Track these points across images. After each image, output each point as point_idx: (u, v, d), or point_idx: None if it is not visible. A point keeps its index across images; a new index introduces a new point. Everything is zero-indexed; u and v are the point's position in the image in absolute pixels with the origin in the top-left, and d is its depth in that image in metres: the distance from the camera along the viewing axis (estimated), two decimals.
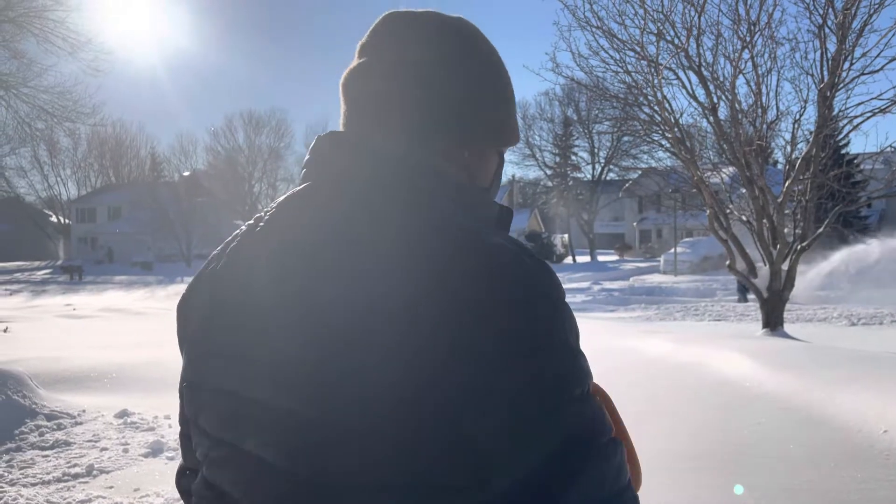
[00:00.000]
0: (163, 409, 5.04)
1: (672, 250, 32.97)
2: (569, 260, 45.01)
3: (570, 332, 0.77)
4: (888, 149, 10.58)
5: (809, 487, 3.57)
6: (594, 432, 0.76)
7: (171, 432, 4.42)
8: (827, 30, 9.85)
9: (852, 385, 5.70)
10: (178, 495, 3.47)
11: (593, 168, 48.43)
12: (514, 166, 52.40)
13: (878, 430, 4.61)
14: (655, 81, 11.03)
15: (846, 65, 9.90)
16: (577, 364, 0.77)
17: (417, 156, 0.88)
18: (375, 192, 0.83)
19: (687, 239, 35.83)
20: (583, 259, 45.03)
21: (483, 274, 0.73)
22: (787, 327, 10.95)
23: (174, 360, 6.55)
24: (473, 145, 0.94)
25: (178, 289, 30.39)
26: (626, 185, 45.48)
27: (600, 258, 45.44)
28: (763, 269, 10.86)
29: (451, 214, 0.81)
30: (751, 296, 18.88)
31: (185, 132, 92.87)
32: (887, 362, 6.97)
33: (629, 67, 11.33)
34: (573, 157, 49.33)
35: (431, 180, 0.86)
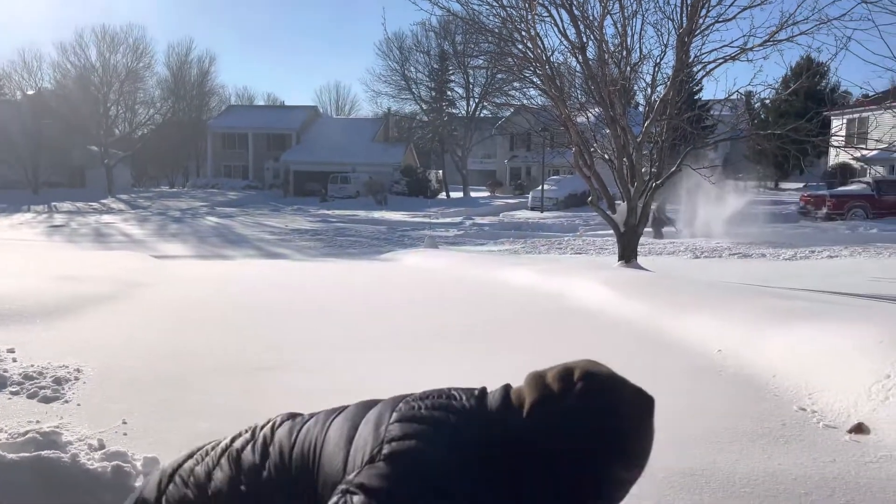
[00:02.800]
0: (6, 342, 4.69)
1: (540, 187, 34.13)
2: (443, 195, 45.50)
3: None
4: (734, 94, 11.38)
5: (655, 398, 3.92)
6: None
7: (15, 366, 4.15)
8: None
9: (692, 310, 6.25)
10: (22, 430, 3.22)
11: (468, 104, 48.70)
12: (391, 99, 51.56)
13: (714, 350, 5.11)
14: (529, 17, 11.14)
15: (703, 12, 10.45)
16: None
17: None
18: None
19: (554, 177, 37.17)
20: (456, 195, 45.65)
21: None
22: (640, 260, 11.75)
23: (19, 291, 6.01)
24: None
25: (23, 218, 27.91)
26: (499, 122, 46.19)
27: (473, 194, 46.28)
28: (621, 206, 11.52)
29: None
30: (667, 229, 20.01)
31: (27, 45, 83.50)
32: (723, 290, 7.69)
33: (504, 2, 11.36)
34: (449, 93, 49.28)
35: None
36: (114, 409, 3.54)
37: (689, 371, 4.67)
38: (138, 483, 2.51)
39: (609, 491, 1.15)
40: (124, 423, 3.36)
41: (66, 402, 3.70)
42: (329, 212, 31.81)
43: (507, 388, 1.25)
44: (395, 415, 1.21)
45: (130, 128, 54.98)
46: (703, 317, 5.96)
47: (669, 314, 6.29)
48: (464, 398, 1.24)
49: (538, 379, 1.20)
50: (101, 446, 2.92)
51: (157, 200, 39.75)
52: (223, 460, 1.40)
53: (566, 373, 1.20)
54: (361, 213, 30.74)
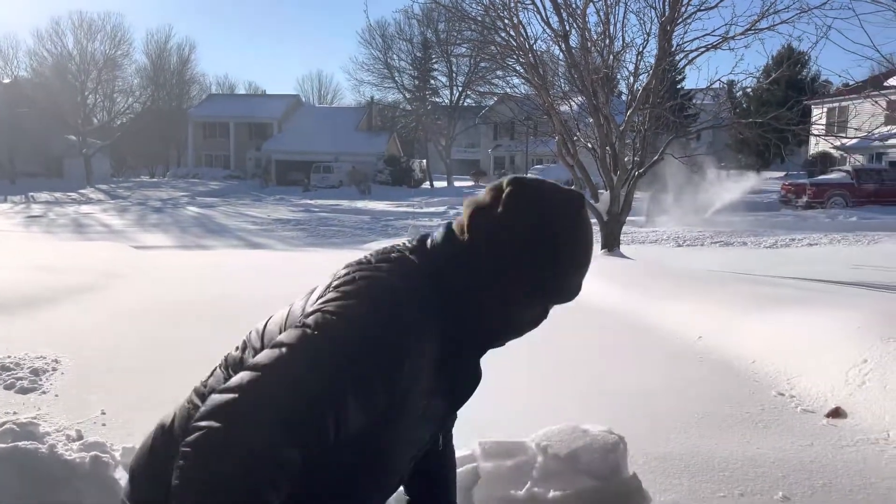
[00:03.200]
0: None
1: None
2: (426, 185, 45.40)
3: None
4: (716, 83, 11.43)
5: (636, 385, 3.95)
6: None
7: None
8: None
9: (675, 298, 6.30)
10: None
11: (451, 93, 48.54)
12: (374, 88, 51.27)
13: (694, 336, 5.15)
14: (512, 5, 11.10)
15: (685, 0, 10.47)
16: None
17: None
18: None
19: (537, 166, 37.23)
20: (440, 184, 45.58)
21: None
22: (623, 248, 11.81)
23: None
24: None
25: (0, 208, 27.49)
26: (483, 111, 46.14)
27: (457, 184, 46.22)
28: (604, 194, 11.55)
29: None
30: (659, 217, 20.13)
31: (3, 33, 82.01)
32: (704, 278, 7.75)
33: None
34: (432, 81, 49.10)
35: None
36: (92, 400, 3.51)
37: (671, 357, 4.71)
38: (117, 474, 2.50)
39: (560, 285, 1.18)
40: (103, 413, 3.33)
41: (44, 392, 3.66)
42: (312, 201, 31.64)
43: (447, 223, 1.27)
44: (343, 266, 1.22)
45: (109, 117, 54.21)
46: (684, 304, 6.01)
47: (651, 301, 6.33)
48: (406, 243, 1.26)
49: (471, 200, 1.23)
50: (80, 437, 2.88)
51: (136, 190, 39.30)
52: (218, 370, 1.40)
53: (495, 185, 1.22)
54: (345, 203, 30.61)
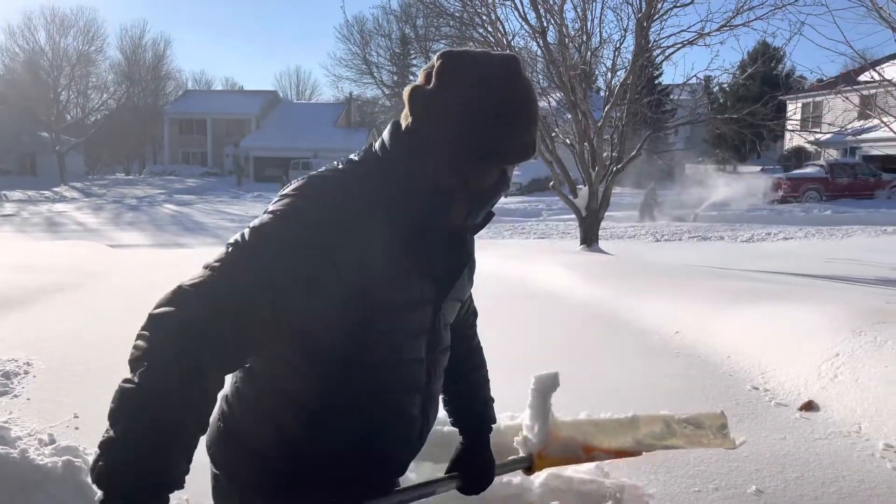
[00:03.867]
0: None
1: None
2: None
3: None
4: (693, 79, 11.53)
5: (613, 379, 3.97)
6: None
7: None
8: None
9: (651, 293, 6.35)
10: None
11: None
12: (353, 83, 51.06)
13: (672, 331, 5.20)
14: (490, 1, 11.10)
15: None
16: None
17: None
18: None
19: None
20: None
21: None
22: (602, 243, 11.88)
23: None
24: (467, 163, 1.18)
25: None
26: None
27: None
28: (582, 190, 11.60)
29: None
30: (658, 212, 20.18)
31: None
32: (681, 273, 7.82)
33: None
34: (411, 77, 48.93)
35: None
36: (65, 403, 3.46)
37: (648, 352, 4.75)
38: (91, 478, 2.46)
39: (507, 143, 1.17)
40: (75, 416, 3.29)
41: (16, 396, 3.61)
42: None
43: (394, 121, 1.27)
44: None
45: (83, 113, 53.35)
46: (661, 299, 6.06)
47: (629, 297, 6.38)
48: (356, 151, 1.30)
49: (408, 85, 1.22)
50: (52, 441, 2.84)
51: (112, 188, 38.77)
52: None
53: (427, 65, 1.21)
54: None
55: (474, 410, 1.58)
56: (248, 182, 42.64)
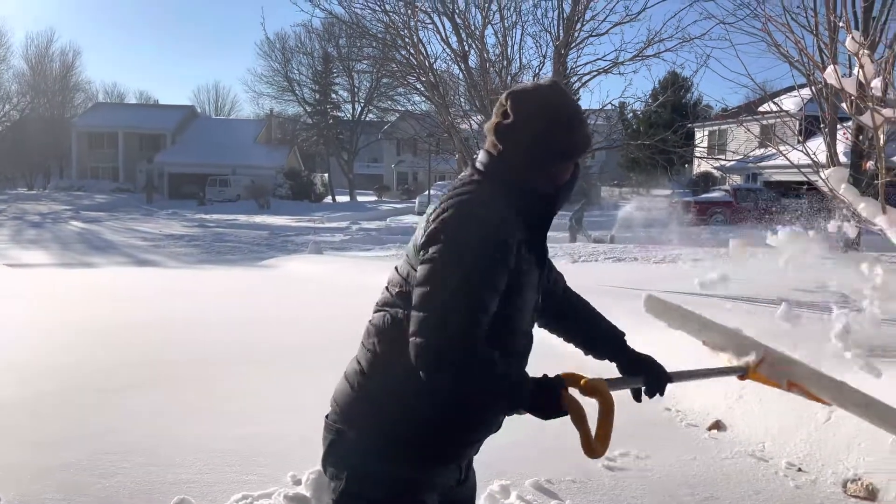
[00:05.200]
0: None
1: (426, 192, 34.38)
2: (328, 199, 44.81)
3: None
4: (608, 105, 11.93)
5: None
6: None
7: None
8: None
9: None
10: None
11: (353, 108, 48.25)
12: (273, 100, 50.22)
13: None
14: (412, 24, 11.18)
15: (578, 25, 10.88)
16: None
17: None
18: None
19: (440, 182, 37.52)
20: (343, 199, 45.08)
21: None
22: None
23: None
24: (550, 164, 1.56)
25: None
26: (385, 126, 46.11)
27: (360, 198, 45.87)
28: None
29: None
30: (592, 233, 20.26)
31: None
32: (594, 293, 7.99)
33: (387, 7, 11.34)
34: (333, 96, 48.62)
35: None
36: None
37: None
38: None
39: (577, 142, 1.55)
40: None
41: None
42: (207, 216, 30.53)
43: (484, 150, 1.61)
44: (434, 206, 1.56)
45: None
46: None
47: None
48: (464, 174, 1.62)
49: (487, 125, 1.58)
50: None
51: (13, 203, 36.60)
52: (385, 291, 1.67)
53: (498, 105, 1.57)
54: (242, 218, 29.72)
55: (608, 329, 1.86)
56: (161, 199, 41.11)
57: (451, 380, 1.39)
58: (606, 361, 1.81)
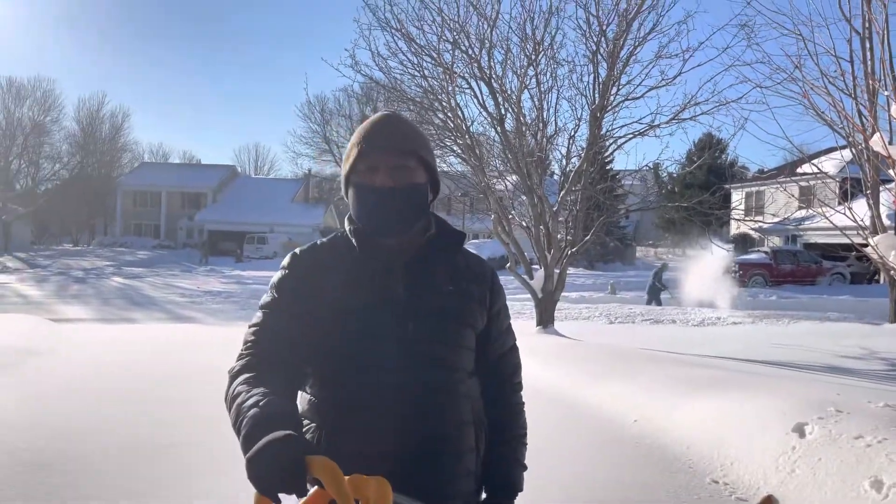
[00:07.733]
0: None
1: None
2: None
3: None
4: (644, 167, 11.95)
5: (572, 470, 3.88)
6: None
7: None
8: (599, 57, 10.90)
9: (609, 378, 6.33)
10: None
11: None
12: (311, 160, 51.49)
13: (630, 419, 5.16)
14: (450, 88, 11.44)
15: (614, 90, 11.02)
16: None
17: None
18: None
19: (474, 241, 37.71)
20: None
21: None
22: (557, 325, 11.92)
23: None
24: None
25: None
26: None
27: None
28: (538, 272, 11.73)
29: None
30: (664, 295, 19.83)
31: None
32: (636, 357, 7.85)
33: (426, 72, 11.64)
34: None
35: None
36: (8, 496, 3.21)
37: (607, 441, 4.68)
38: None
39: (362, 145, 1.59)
40: None
41: None
42: (244, 273, 30.97)
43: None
44: None
45: (33, 182, 52.40)
46: (619, 385, 6.04)
47: (587, 382, 6.35)
48: None
49: None
50: None
51: (58, 259, 37.66)
52: None
53: None
54: None
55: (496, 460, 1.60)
56: (208, 258, 41.89)
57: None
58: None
